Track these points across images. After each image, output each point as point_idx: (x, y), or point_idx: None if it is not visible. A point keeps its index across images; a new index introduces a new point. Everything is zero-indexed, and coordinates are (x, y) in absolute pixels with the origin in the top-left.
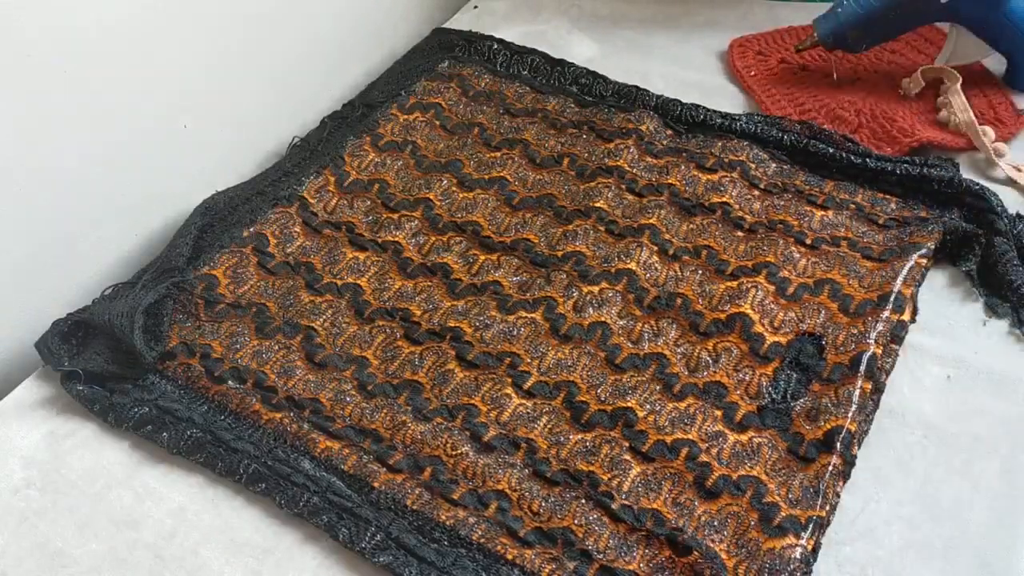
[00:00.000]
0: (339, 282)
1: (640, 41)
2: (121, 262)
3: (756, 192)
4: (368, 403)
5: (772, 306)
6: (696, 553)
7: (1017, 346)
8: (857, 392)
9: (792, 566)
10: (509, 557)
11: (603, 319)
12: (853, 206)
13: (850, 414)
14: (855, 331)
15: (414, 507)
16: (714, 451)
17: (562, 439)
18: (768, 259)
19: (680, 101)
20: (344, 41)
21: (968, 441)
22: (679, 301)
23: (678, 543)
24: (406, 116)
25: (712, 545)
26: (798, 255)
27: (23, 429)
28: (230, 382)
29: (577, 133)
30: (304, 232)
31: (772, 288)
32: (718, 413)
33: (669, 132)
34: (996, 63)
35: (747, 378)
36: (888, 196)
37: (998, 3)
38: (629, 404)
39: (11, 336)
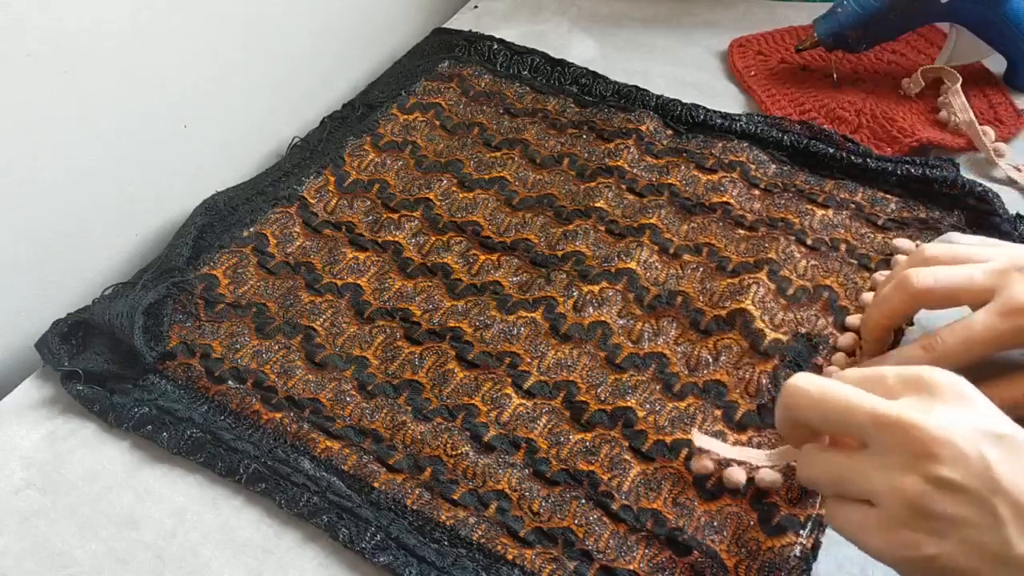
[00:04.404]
0: (339, 282)
1: (640, 41)
2: (121, 262)
3: (756, 192)
4: (368, 403)
5: (772, 304)
6: (696, 553)
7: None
8: None
9: (791, 563)
10: (509, 557)
11: (603, 318)
12: (853, 205)
13: None
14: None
15: (414, 507)
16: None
17: (562, 439)
18: (770, 255)
19: (680, 101)
20: (344, 41)
21: None
22: (680, 299)
23: (679, 543)
24: (406, 116)
25: (712, 544)
26: (799, 255)
27: (23, 429)
28: (230, 382)
29: (577, 133)
30: (304, 232)
31: (773, 287)
32: (718, 412)
33: (669, 132)
34: (996, 63)
35: (747, 376)
36: (888, 196)
37: (998, 3)
38: (629, 404)
39: (11, 336)
